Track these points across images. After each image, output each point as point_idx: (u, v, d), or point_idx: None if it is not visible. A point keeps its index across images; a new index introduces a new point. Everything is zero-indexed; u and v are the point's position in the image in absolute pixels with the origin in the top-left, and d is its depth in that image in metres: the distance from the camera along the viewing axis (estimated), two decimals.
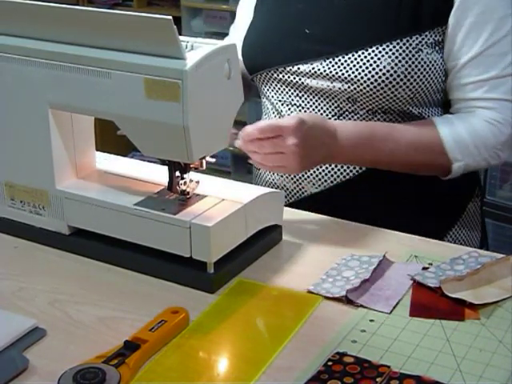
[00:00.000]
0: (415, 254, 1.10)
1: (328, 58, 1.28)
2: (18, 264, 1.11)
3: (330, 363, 0.86)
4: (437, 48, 1.26)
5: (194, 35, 1.16)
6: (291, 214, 1.22)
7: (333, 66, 1.27)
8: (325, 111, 1.31)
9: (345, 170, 1.31)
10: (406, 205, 1.33)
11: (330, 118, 1.30)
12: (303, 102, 1.33)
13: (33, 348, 0.90)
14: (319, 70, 1.28)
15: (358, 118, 1.29)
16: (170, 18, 0.94)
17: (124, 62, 1.00)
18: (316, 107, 1.32)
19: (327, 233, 1.19)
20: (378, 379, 0.83)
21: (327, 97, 1.30)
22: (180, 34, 0.97)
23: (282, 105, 1.36)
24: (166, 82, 0.96)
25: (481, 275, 1.01)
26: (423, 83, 1.26)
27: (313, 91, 1.31)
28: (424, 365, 0.86)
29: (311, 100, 1.32)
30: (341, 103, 1.29)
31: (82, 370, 0.83)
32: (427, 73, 1.26)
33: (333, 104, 1.30)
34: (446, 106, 1.34)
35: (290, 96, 1.35)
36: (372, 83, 1.24)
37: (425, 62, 1.25)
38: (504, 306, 0.97)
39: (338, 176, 1.31)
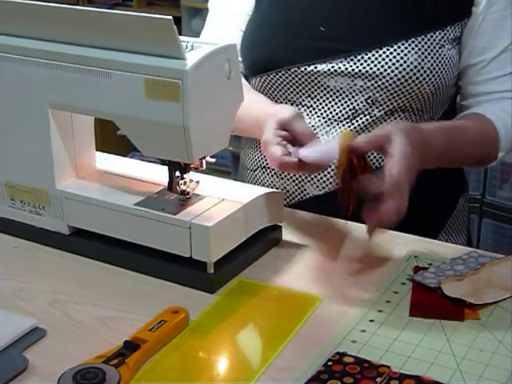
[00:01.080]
0: (415, 254, 1.10)
1: (349, 56, 1.25)
2: (18, 264, 1.11)
3: (329, 363, 0.86)
4: (454, 43, 1.27)
5: (194, 35, 1.16)
6: (291, 214, 1.22)
7: (355, 63, 1.25)
8: (337, 113, 1.28)
9: None
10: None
11: (342, 121, 1.28)
12: (315, 102, 1.30)
13: (33, 348, 0.90)
14: (339, 68, 1.26)
15: (372, 119, 1.27)
16: (170, 17, 0.94)
17: (124, 62, 1.00)
18: (329, 108, 1.29)
19: (327, 233, 1.19)
20: (378, 379, 0.83)
21: (344, 97, 1.28)
22: (180, 34, 0.97)
23: (292, 105, 1.30)
24: (166, 82, 0.96)
25: (481, 275, 1.02)
26: (444, 79, 1.26)
27: (329, 91, 1.28)
28: (424, 365, 0.86)
29: (324, 101, 1.29)
30: (357, 104, 1.27)
31: (81, 369, 0.83)
32: (449, 68, 1.26)
33: (348, 106, 1.28)
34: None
35: (300, 96, 1.31)
36: (399, 79, 1.23)
37: (447, 58, 1.26)
38: (504, 306, 0.97)
39: None
